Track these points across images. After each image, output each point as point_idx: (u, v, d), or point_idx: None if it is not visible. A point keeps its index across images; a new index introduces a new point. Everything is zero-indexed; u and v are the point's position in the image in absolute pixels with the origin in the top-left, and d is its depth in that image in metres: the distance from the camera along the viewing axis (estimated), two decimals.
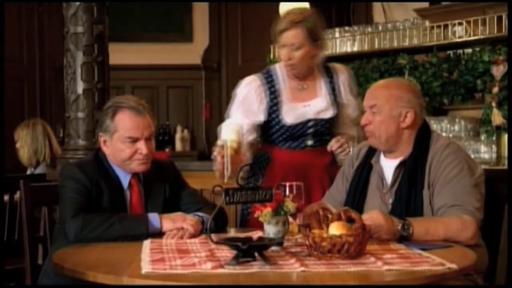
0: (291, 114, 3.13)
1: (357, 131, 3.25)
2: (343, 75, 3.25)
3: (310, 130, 3.15)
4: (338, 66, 3.29)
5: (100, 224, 2.48)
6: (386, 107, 2.65)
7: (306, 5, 6.40)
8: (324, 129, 3.16)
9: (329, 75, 3.22)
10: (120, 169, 2.70)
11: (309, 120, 3.13)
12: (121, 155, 2.66)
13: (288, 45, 3.05)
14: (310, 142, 3.16)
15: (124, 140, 2.64)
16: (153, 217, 2.55)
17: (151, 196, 2.73)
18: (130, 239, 2.46)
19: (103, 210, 2.58)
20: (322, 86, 3.19)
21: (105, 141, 2.70)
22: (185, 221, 2.55)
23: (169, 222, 2.55)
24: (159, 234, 2.52)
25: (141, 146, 2.64)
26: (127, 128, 2.64)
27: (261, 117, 3.14)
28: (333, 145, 3.11)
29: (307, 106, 3.14)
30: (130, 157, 2.65)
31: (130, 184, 2.71)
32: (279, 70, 3.19)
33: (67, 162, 4.03)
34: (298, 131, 3.14)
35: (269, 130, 3.17)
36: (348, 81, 3.25)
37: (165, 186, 2.76)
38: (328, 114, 3.16)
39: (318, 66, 3.22)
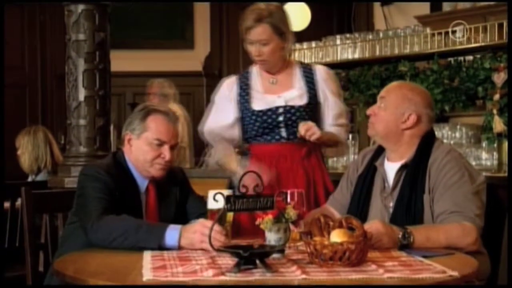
0: (259, 102, 3.19)
1: (340, 131, 3.25)
2: (321, 74, 3.26)
3: (281, 118, 3.16)
4: (318, 66, 3.33)
5: (117, 236, 2.42)
6: (393, 104, 2.69)
7: (307, 9, 6.42)
8: (295, 118, 3.17)
9: (307, 72, 3.25)
10: (139, 173, 2.71)
11: (279, 107, 3.16)
12: (145, 156, 2.67)
13: (255, 42, 3.13)
14: (284, 134, 3.17)
15: (152, 142, 2.67)
16: (172, 234, 2.41)
17: (164, 200, 2.74)
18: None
19: (121, 212, 2.54)
20: (296, 80, 3.23)
21: (130, 140, 2.72)
22: (203, 241, 2.35)
23: (187, 244, 2.40)
24: None
25: (165, 151, 2.67)
26: (157, 131, 2.68)
27: (235, 114, 3.22)
28: (300, 129, 3.09)
29: (281, 97, 3.19)
30: (152, 160, 2.67)
31: (147, 188, 2.72)
32: (255, 67, 3.28)
33: (68, 168, 4.05)
34: (268, 118, 3.16)
35: (244, 125, 3.23)
36: (327, 79, 3.26)
37: (176, 190, 2.79)
38: (299, 101, 3.18)
39: (296, 63, 3.30)
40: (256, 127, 3.20)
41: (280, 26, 3.12)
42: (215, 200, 2.24)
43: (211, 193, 2.47)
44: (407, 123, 2.68)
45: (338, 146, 3.28)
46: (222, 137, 3.26)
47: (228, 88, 3.27)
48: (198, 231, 2.39)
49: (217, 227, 2.36)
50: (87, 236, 2.51)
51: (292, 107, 3.17)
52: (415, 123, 2.68)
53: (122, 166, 2.72)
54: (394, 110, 2.69)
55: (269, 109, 3.17)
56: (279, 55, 3.18)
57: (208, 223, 2.40)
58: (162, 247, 2.39)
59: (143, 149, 2.68)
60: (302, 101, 3.18)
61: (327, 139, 3.19)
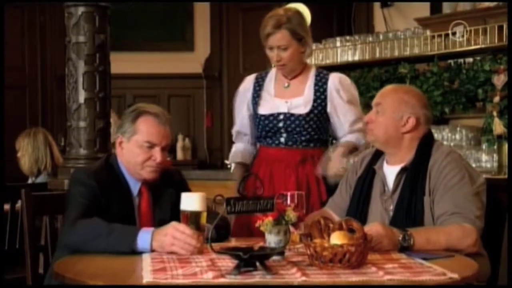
0: (266, 105, 3.30)
1: (358, 137, 3.29)
2: (333, 83, 3.28)
3: (281, 124, 3.25)
4: (333, 74, 3.34)
5: (88, 239, 2.42)
6: (390, 108, 2.69)
7: (306, 11, 6.41)
8: (295, 126, 3.24)
9: (321, 81, 3.28)
10: (131, 176, 2.70)
11: (280, 113, 3.25)
12: (136, 158, 2.66)
13: (275, 47, 3.21)
14: (282, 139, 3.27)
15: (142, 144, 2.65)
16: (144, 236, 2.39)
17: (159, 203, 2.72)
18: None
19: (111, 216, 2.53)
20: (307, 87, 3.28)
21: (121, 143, 2.71)
22: (173, 244, 2.36)
23: (158, 246, 2.39)
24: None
25: (156, 153, 2.65)
26: (147, 133, 2.65)
27: (249, 110, 3.37)
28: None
29: (287, 102, 3.27)
30: (143, 162, 2.65)
31: (140, 191, 2.71)
32: (274, 69, 3.39)
33: (68, 170, 4.05)
34: (270, 123, 3.27)
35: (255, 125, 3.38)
36: (339, 89, 3.28)
37: (172, 192, 2.75)
38: (300, 110, 3.24)
39: (314, 69, 3.35)
40: (260, 129, 3.31)
41: (298, 31, 3.21)
42: (220, 202, 2.23)
43: (184, 195, 2.46)
44: (407, 127, 2.68)
45: (359, 150, 3.30)
46: (246, 139, 3.43)
47: (245, 86, 3.40)
48: (169, 234, 2.37)
49: (188, 231, 2.36)
50: (64, 239, 2.51)
51: (292, 115, 3.23)
52: (414, 126, 2.68)
53: (114, 169, 2.70)
54: (392, 114, 2.68)
55: (271, 114, 3.26)
56: (298, 59, 3.27)
57: (179, 226, 2.39)
58: (134, 251, 2.37)
59: (134, 151, 2.66)
60: (302, 109, 3.22)
61: (344, 152, 3.23)
